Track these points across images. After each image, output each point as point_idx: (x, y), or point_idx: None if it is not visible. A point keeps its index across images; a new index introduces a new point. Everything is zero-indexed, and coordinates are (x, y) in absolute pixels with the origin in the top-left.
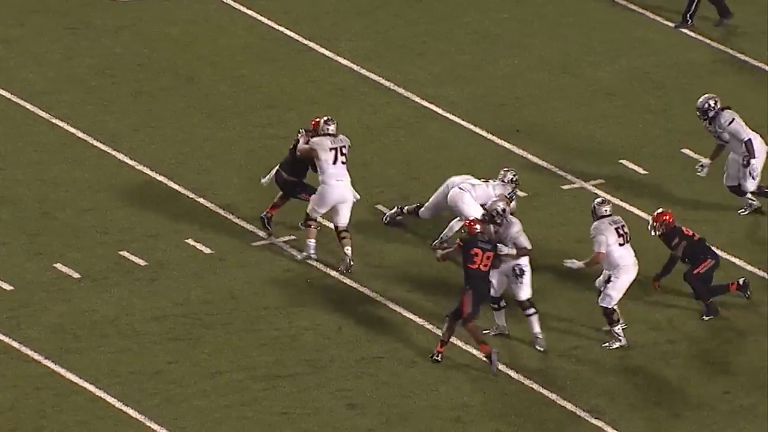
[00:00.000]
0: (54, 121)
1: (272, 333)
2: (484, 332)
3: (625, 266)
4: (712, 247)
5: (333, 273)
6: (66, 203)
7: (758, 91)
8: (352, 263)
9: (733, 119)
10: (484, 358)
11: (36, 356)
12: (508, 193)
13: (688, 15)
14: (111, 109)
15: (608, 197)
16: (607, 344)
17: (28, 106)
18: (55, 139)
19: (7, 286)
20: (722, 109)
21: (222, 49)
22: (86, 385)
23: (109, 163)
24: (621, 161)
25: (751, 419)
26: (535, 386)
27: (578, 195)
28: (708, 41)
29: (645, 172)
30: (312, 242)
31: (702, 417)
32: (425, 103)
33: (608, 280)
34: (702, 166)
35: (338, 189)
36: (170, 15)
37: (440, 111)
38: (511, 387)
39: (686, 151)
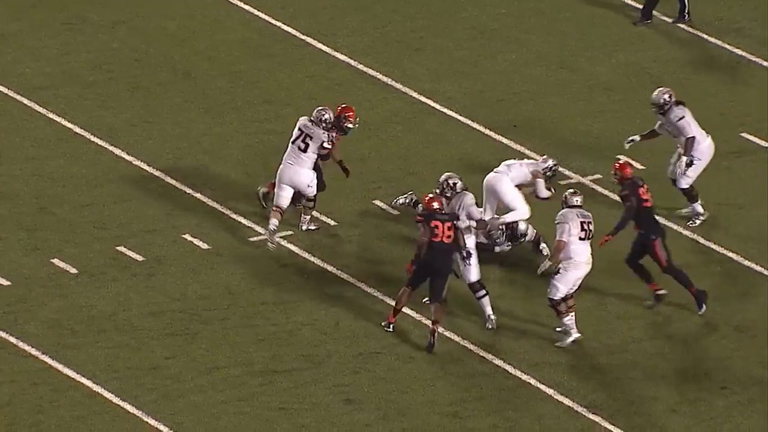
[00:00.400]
0: (51, 116)
1: (269, 328)
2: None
3: (577, 262)
4: (657, 218)
5: (330, 268)
6: (63, 198)
7: (755, 86)
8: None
9: (683, 116)
10: (384, 324)
11: (33, 351)
12: (542, 169)
13: (685, 11)
14: (108, 105)
15: (606, 192)
16: (560, 342)
17: (25, 101)
18: (52, 135)
19: (4, 282)
20: (676, 104)
21: (219, 44)
22: (83, 380)
23: (106, 159)
24: (618, 156)
25: (748, 414)
26: (532, 381)
27: (576, 190)
28: (705, 36)
29: (642, 167)
30: (273, 222)
31: (699, 412)
32: (423, 99)
33: (557, 272)
34: (632, 140)
35: (284, 170)
36: (167, 10)
37: (438, 106)
38: (508, 382)
39: None
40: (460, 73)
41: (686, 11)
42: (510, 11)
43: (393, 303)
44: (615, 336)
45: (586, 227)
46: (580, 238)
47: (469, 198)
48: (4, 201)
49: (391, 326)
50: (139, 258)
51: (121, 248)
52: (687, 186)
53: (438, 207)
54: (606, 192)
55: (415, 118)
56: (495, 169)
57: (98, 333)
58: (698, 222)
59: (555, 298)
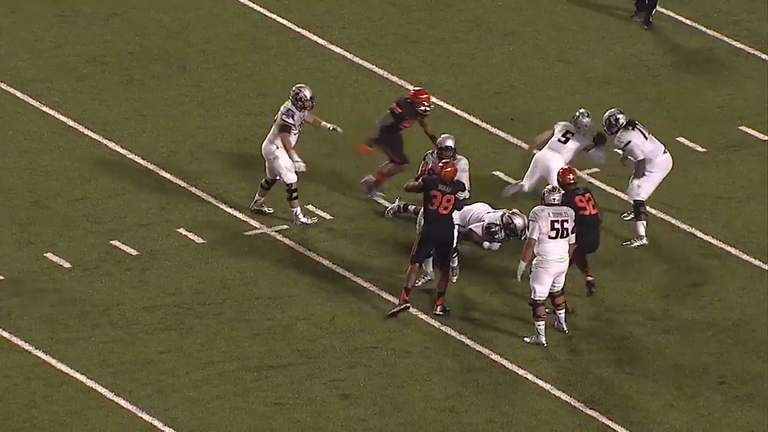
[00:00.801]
0: (44, 109)
1: (265, 323)
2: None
3: (546, 260)
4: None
5: (326, 262)
6: (57, 192)
7: (753, 78)
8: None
9: (630, 141)
10: (397, 306)
11: (26, 346)
12: (590, 140)
13: (651, 15)
14: (102, 98)
15: (603, 186)
16: (528, 338)
17: (19, 94)
18: (46, 128)
19: None
20: (626, 127)
21: (214, 36)
22: (77, 375)
23: (100, 152)
24: (616, 150)
25: (747, 409)
26: (529, 376)
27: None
28: (703, 28)
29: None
30: (256, 197)
31: (697, 407)
32: None
33: (530, 271)
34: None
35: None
36: (161, 2)
37: (434, 99)
38: (505, 377)
39: (682, 139)
40: (457, 66)
41: (651, 16)
42: (507, 3)
43: (389, 297)
44: (612, 331)
45: (558, 226)
46: (551, 237)
47: (464, 163)
48: None
49: (407, 305)
50: (134, 252)
51: (115, 242)
52: (643, 198)
53: (452, 176)
54: (603, 186)
55: None
56: (549, 146)
57: (92, 328)
58: (635, 245)
59: (534, 298)
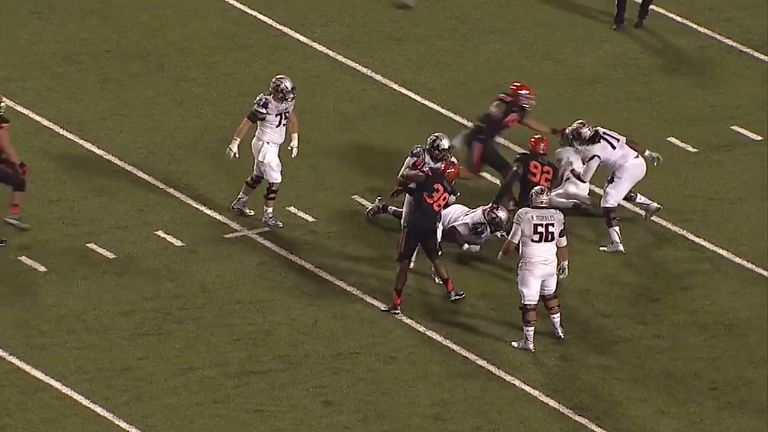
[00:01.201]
0: (19, 108)
1: (245, 328)
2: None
3: (530, 262)
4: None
5: (308, 266)
6: (31, 194)
7: (746, 77)
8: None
9: (594, 156)
10: (388, 306)
11: (0, 352)
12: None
13: (644, 17)
14: (78, 97)
15: (593, 187)
16: (516, 343)
17: None
18: (20, 128)
19: None
20: (590, 141)
21: (193, 34)
22: (52, 382)
23: (76, 153)
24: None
25: (739, 416)
26: (516, 382)
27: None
28: (695, 26)
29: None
30: (240, 195)
31: (688, 413)
32: (403, 90)
33: (518, 274)
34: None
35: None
36: None
37: (419, 98)
38: (491, 383)
39: (672, 139)
40: (442, 64)
41: (644, 17)
42: (493, 0)
43: (373, 301)
44: (602, 336)
45: (541, 230)
46: (533, 240)
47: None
48: None
49: (398, 308)
50: (111, 255)
51: (92, 245)
52: (611, 205)
53: (454, 178)
54: (593, 186)
55: (395, 110)
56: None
57: (68, 333)
58: (610, 249)
59: (523, 302)
